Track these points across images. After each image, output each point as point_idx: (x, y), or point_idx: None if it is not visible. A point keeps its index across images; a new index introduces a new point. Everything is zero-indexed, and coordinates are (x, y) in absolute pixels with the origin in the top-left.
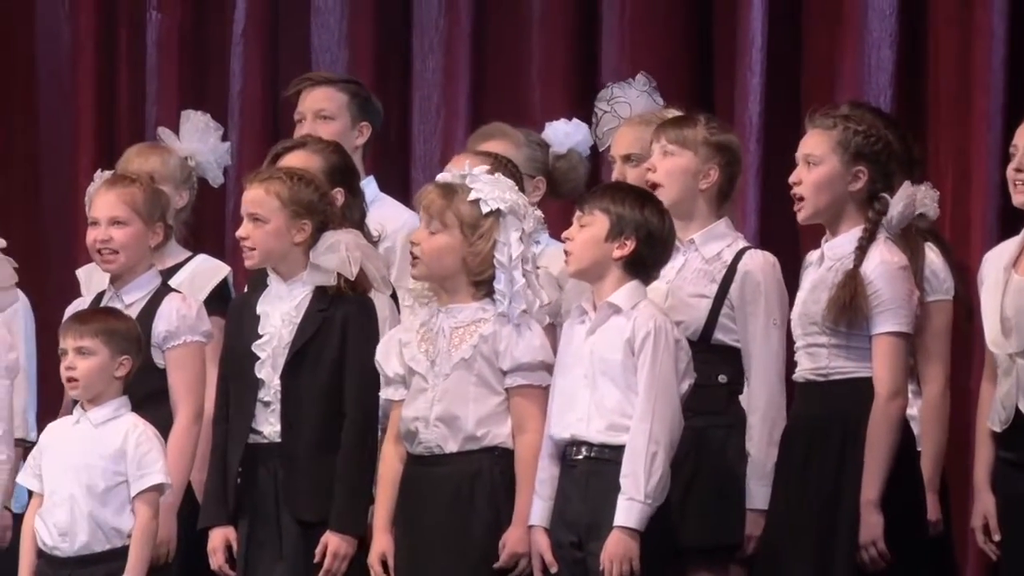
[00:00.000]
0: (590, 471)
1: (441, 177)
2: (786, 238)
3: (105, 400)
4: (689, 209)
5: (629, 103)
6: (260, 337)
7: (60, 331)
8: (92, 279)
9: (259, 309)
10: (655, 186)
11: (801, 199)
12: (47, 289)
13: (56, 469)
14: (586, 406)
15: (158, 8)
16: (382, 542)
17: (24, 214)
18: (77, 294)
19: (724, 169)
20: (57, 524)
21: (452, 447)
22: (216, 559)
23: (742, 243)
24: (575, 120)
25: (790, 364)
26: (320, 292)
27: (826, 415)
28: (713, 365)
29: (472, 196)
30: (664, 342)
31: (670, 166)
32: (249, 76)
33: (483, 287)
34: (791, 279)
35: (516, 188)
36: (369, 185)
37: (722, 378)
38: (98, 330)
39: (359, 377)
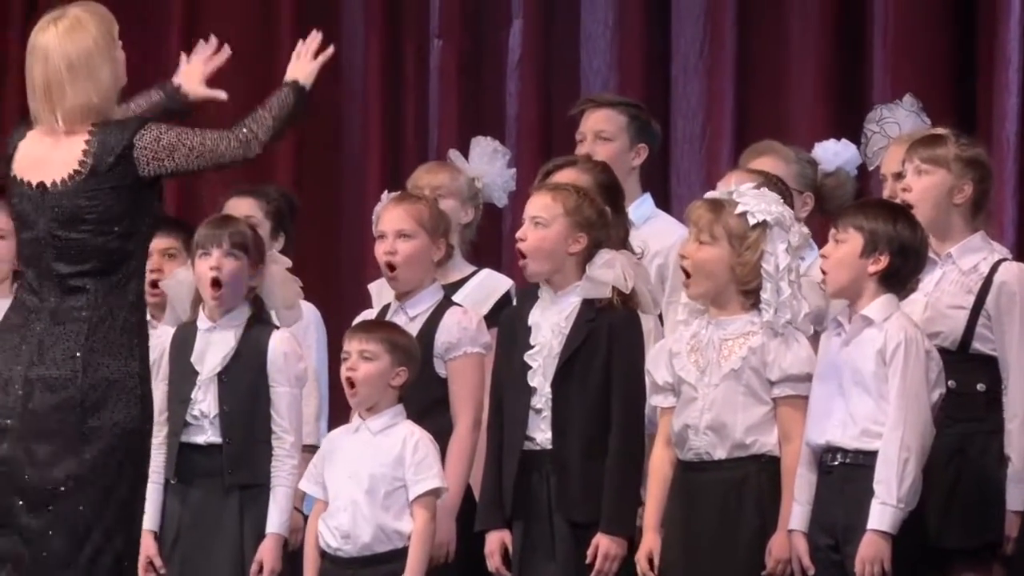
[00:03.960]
0: (845, 476)
1: (709, 194)
2: None
3: (382, 408)
4: (945, 225)
5: (898, 123)
6: (532, 347)
7: (345, 337)
8: (383, 293)
9: (530, 320)
10: (910, 206)
11: None
12: (341, 303)
13: (338, 475)
14: (841, 414)
15: (440, 36)
16: (650, 541)
17: (321, 232)
18: (369, 307)
19: (977, 184)
20: (340, 527)
21: (720, 454)
22: (493, 561)
23: (998, 255)
24: (844, 140)
25: None
26: (588, 303)
27: None
28: (972, 374)
29: (739, 209)
30: (915, 353)
31: (925, 184)
32: (525, 100)
33: (751, 297)
34: None
35: (782, 202)
36: (644, 203)
37: (981, 386)
38: (382, 338)
39: (627, 385)
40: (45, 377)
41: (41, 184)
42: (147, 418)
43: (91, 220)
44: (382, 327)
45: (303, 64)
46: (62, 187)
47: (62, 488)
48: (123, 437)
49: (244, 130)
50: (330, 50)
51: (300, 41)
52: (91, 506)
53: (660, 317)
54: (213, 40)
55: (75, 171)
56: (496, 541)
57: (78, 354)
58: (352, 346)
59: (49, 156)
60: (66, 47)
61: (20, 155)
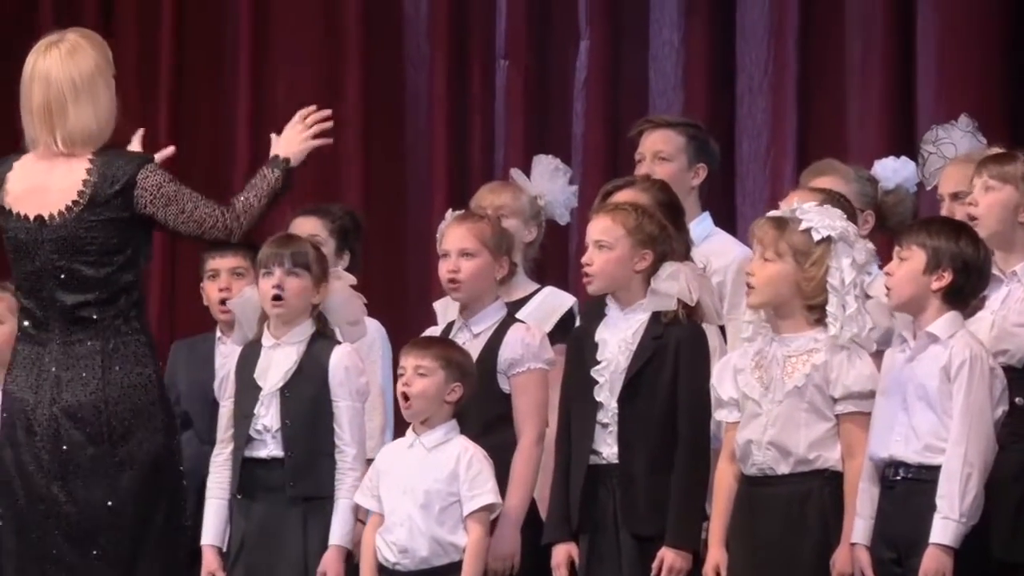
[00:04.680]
0: (908, 491)
1: (773, 212)
2: None
3: (436, 424)
4: (1009, 241)
5: (954, 143)
6: (599, 363)
7: (401, 353)
8: (448, 310)
9: (598, 336)
10: (974, 219)
11: None
12: (406, 320)
13: (394, 490)
14: (904, 429)
15: (506, 57)
16: (716, 555)
17: (387, 250)
18: (434, 325)
19: None
20: (397, 542)
21: (784, 469)
22: (559, 574)
23: None
24: (903, 157)
25: None
26: (655, 319)
27: None
28: None
29: (803, 226)
30: (979, 370)
31: (991, 200)
32: (591, 119)
33: (816, 312)
34: None
35: (845, 217)
36: (704, 221)
37: None
38: (438, 354)
39: (692, 400)
40: (69, 413)
41: (39, 217)
42: (173, 440)
43: (92, 251)
44: (437, 343)
45: (297, 141)
46: (60, 219)
47: (102, 521)
48: (154, 463)
49: (231, 218)
50: (328, 126)
51: (300, 112)
52: (132, 535)
53: (723, 331)
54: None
55: (74, 201)
56: (563, 554)
57: (97, 388)
58: (408, 362)
59: (45, 185)
60: (69, 69)
61: (11, 187)
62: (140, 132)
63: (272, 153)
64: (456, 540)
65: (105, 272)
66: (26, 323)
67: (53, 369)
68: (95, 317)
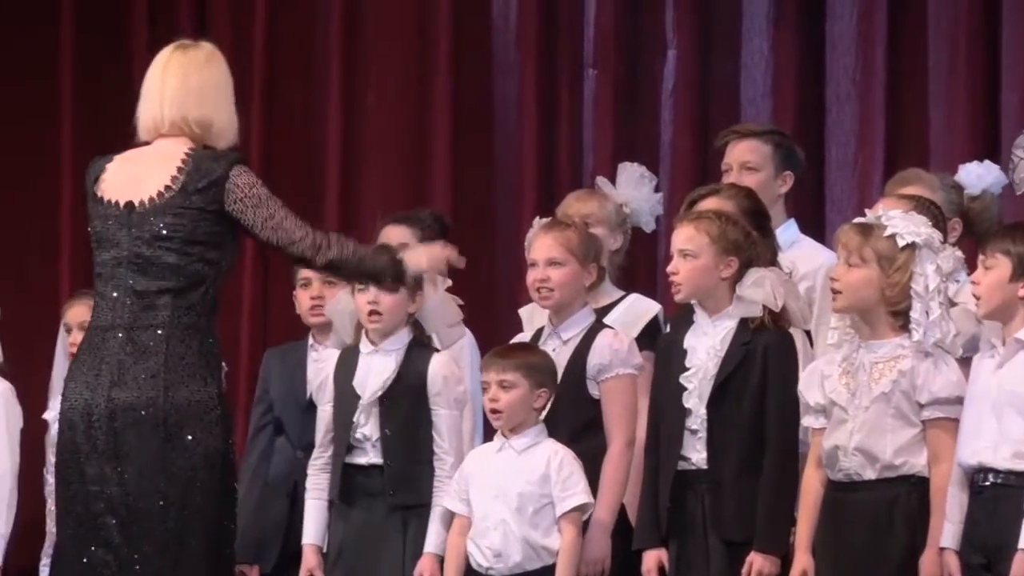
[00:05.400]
0: (997, 496)
1: (858, 218)
2: None
3: (525, 428)
4: None
5: None
6: (687, 369)
7: (482, 366)
8: (534, 317)
9: (686, 343)
10: None
11: None
12: (495, 327)
13: (485, 495)
14: (993, 435)
15: (594, 65)
16: (803, 560)
17: (476, 258)
18: (521, 331)
19: None
20: (491, 546)
21: (870, 475)
22: None
23: None
24: (987, 162)
25: None
26: (743, 326)
27: None
28: None
29: (888, 232)
30: None
31: None
32: (679, 127)
33: (900, 318)
34: None
35: (929, 224)
36: (789, 228)
37: None
38: (518, 364)
39: (780, 406)
40: (128, 398)
41: (129, 203)
42: (228, 437)
43: (175, 239)
44: (515, 352)
45: (423, 257)
46: (150, 205)
47: (151, 508)
48: (207, 457)
49: (323, 241)
50: (458, 261)
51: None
52: (180, 525)
53: (809, 336)
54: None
55: (166, 187)
56: (653, 559)
57: (159, 376)
58: (490, 376)
59: (140, 174)
60: (206, 70)
61: (107, 177)
62: None
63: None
64: (549, 543)
65: (185, 261)
66: (98, 312)
67: (117, 356)
68: (166, 306)
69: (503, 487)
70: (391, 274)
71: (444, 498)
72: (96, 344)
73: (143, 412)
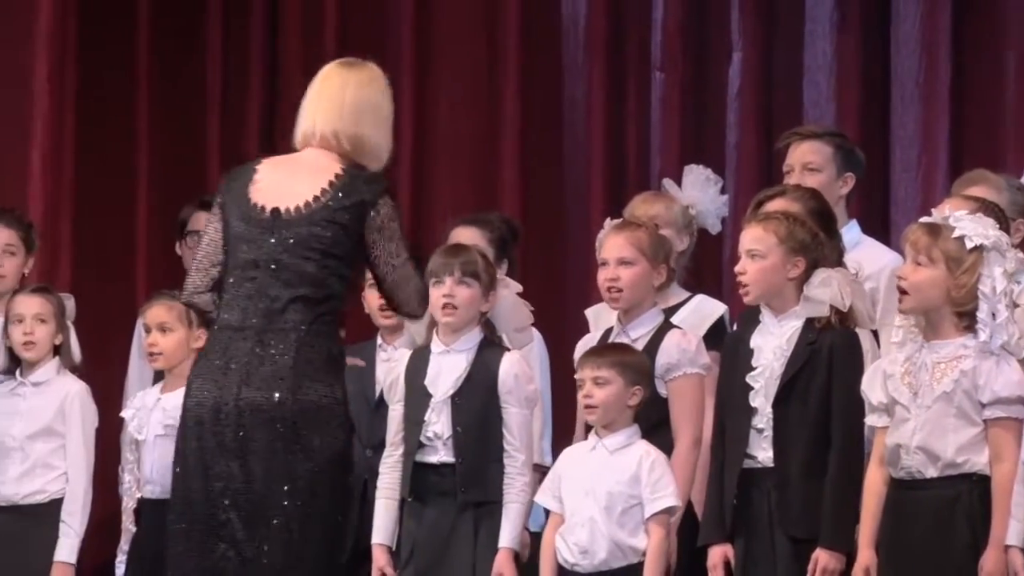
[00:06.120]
0: None
1: (926, 218)
2: None
3: (619, 427)
4: None
5: None
6: (753, 369)
7: (577, 363)
8: (600, 317)
9: (752, 343)
10: None
11: None
12: (564, 327)
13: (576, 492)
14: None
15: (662, 68)
16: (866, 557)
17: (545, 259)
18: (588, 332)
19: None
20: (578, 543)
21: (932, 473)
22: (716, 574)
23: None
24: None
25: None
26: (808, 325)
27: None
28: None
29: (956, 233)
30: None
31: None
32: (744, 130)
33: (965, 319)
34: None
35: (998, 226)
36: (852, 229)
37: None
38: (614, 362)
39: (845, 405)
40: (256, 399)
41: (275, 210)
42: (350, 441)
43: (316, 249)
44: (611, 350)
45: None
46: (296, 213)
47: (275, 505)
48: (331, 460)
49: (423, 299)
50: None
51: None
52: (301, 524)
53: (876, 335)
54: None
55: (315, 197)
56: (719, 555)
57: (287, 379)
58: (585, 373)
59: (292, 182)
60: (372, 89)
61: (258, 178)
62: None
63: None
64: (635, 543)
65: (322, 273)
66: (226, 311)
67: (246, 357)
68: (298, 312)
69: (593, 485)
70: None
71: (529, 495)
72: (224, 344)
73: (271, 413)
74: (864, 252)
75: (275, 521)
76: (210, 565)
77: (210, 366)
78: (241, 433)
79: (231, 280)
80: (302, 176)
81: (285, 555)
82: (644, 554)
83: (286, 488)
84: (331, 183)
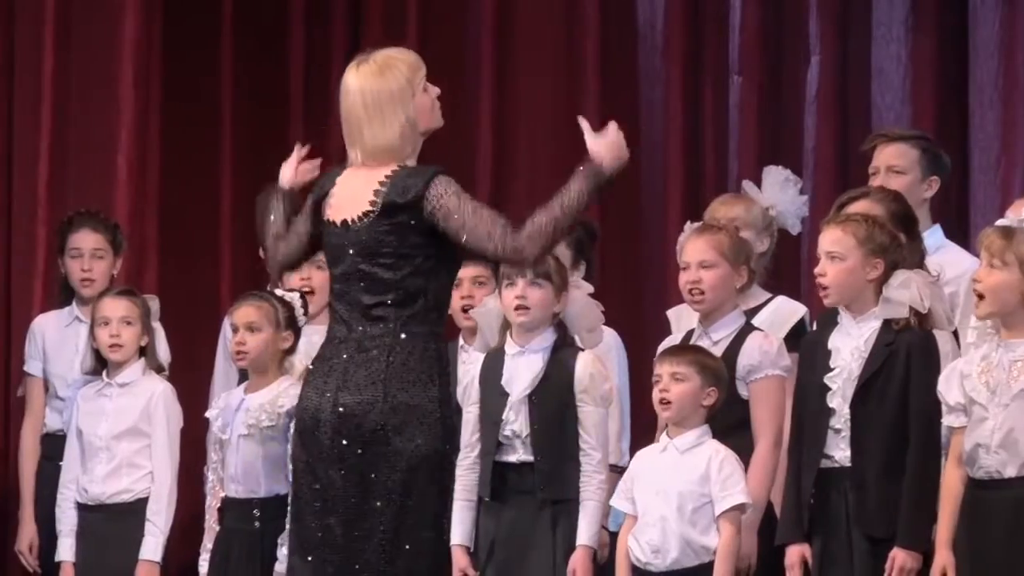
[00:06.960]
0: None
1: (1001, 221)
2: None
3: (690, 427)
4: None
5: None
6: (831, 370)
7: (656, 361)
8: (681, 319)
9: (830, 344)
10: None
11: None
12: (642, 329)
13: (647, 492)
14: None
15: (740, 73)
16: (943, 557)
17: (623, 261)
18: (668, 333)
19: None
20: (650, 542)
21: (1011, 472)
22: (793, 573)
23: None
24: None
25: None
26: (886, 327)
27: None
28: None
29: None
30: None
31: None
32: (821, 133)
33: None
34: None
35: None
36: (935, 233)
37: None
38: (692, 360)
39: (922, 405)
40: (351, 402)
41: (344, 222)
42: (448, 441)
43: (388, 254)
44: (691, 350)
45: (613, 142)
46: (359, 223)
47: (372, 509)
48: (426, 459)
49: (517, 241)
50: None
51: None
52: (398, 526)
53: (956, 336)
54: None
55: (367, 210)
56: (796, 554)
57: (379, 381)
58: (663, 369)
59: (352, 195)
60: (364, 89)
61: (333, 193)
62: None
63: (589, 156)
64: (707, 542)
65: (400, 275)
66: (333, 324)
67: (343, 367)
68: (388, 318)
69: (664, 485)
70: (606, 181)
71: (605, 495)
72: (329, 355)
73: (365, 415)
74: (946, 257)
75: (371, 524)
76: (313, 569)
77: (315, 376)
78: (338, 438)
79: (335, 292)
80: (358, 186)
81: (380, 558)
82: (715, 552)
83: (379, 491)
84: (377, 191)
